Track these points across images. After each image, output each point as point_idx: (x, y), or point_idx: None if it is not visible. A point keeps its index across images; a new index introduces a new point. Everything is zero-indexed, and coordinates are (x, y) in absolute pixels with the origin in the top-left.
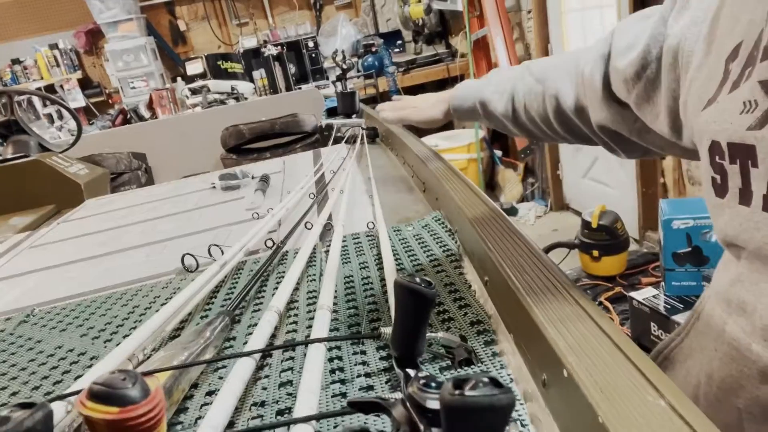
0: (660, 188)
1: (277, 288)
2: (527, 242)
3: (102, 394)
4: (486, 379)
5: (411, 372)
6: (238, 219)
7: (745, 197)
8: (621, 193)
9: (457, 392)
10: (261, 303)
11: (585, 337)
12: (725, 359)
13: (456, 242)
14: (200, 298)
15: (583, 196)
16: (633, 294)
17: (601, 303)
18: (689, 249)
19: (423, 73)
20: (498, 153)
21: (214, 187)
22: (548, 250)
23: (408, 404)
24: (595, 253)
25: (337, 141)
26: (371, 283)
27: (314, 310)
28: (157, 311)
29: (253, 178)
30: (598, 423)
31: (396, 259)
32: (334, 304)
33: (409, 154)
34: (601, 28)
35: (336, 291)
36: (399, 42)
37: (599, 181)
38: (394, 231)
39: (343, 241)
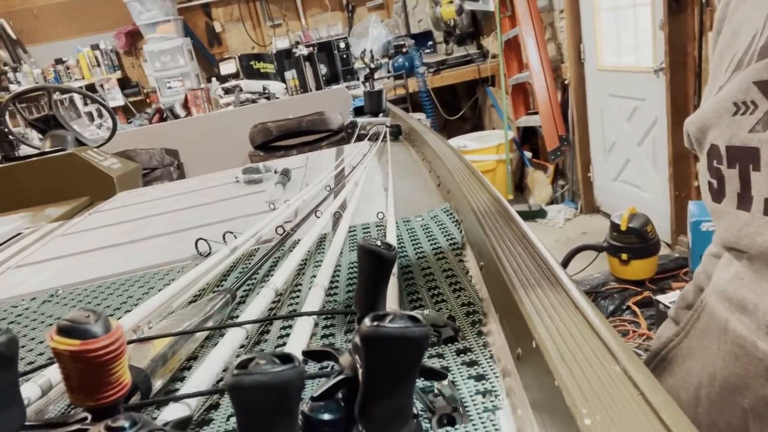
0: (694, 191)
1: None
2: (524, 231)
3: (67, 329)
4: (404, 315)
5: None
6: (256, 210)
7: (744, 202)
8: (653, 196)
9: (374, 324)
10: (266, 285)
11: (558, 312)
12: (729, 358)
13: (461, 232)
14: (209, 278)
15: (614, 198)
16: (660, 297)
17: (628, 308)
18: None
19: (453, 73)
20: (528, 154)
21: (238, 180)
22: (575, 252)
23: (352, 351)
24: (624, 256)
25: (361, 138)
26: None
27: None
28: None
29: (275, 172)
30: (554, 387)
31: (400, 248)
32: (335, 287)
33: (429, 150)
34: (635, 28)
35: (338, 274)
36: (430, 43)
37: (631, 184)
38: (404, 222)
39: (352, 230)
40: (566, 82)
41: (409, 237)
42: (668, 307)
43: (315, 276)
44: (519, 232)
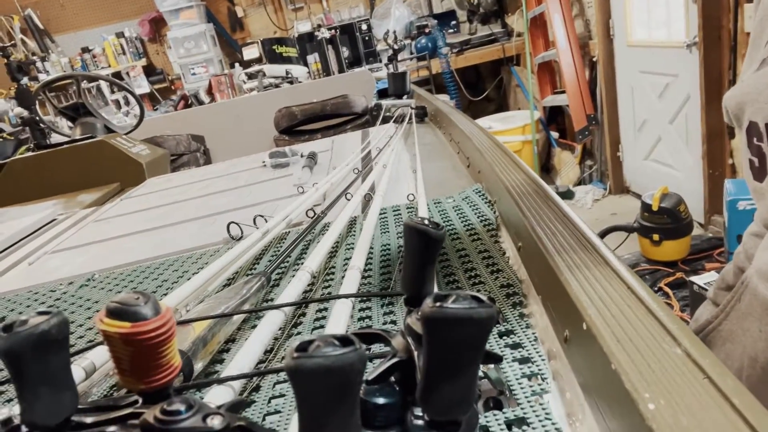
0: (728, 169)
1: (316, 252)
2: (563, 210)
3: (117, 311)
4: (467, 295)
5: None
6: (285, 194)
7: None
8: (686, 175)
9: (437, 305)
10: (299, 268)
11: (609, 293)
12: None
13: (495, 212)
14: (243, 262)
15: (644, 178)
16: (693, 278)
17: (660, 289)
18: None
19: (477, 53)
20: (554, 135)
21: (265, 165)
22: (605, 233)
23: (405, 333)
24: (656, 237)
25: (386, 120)
26: None
27: (346, 269)
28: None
29: (302, 156)
30: (611, 371)
31: None
32: (369, 269)
33: (456, 131)
34: (666, 1)
35: (372, 256)
36: (453, 23)
37: (663, 163)
38: (435, 203)
39: (383, 212)
40: (594, 59)
41: (442, 218)
42: (703, 289)
43: (349, 259)
44: (559, 211)
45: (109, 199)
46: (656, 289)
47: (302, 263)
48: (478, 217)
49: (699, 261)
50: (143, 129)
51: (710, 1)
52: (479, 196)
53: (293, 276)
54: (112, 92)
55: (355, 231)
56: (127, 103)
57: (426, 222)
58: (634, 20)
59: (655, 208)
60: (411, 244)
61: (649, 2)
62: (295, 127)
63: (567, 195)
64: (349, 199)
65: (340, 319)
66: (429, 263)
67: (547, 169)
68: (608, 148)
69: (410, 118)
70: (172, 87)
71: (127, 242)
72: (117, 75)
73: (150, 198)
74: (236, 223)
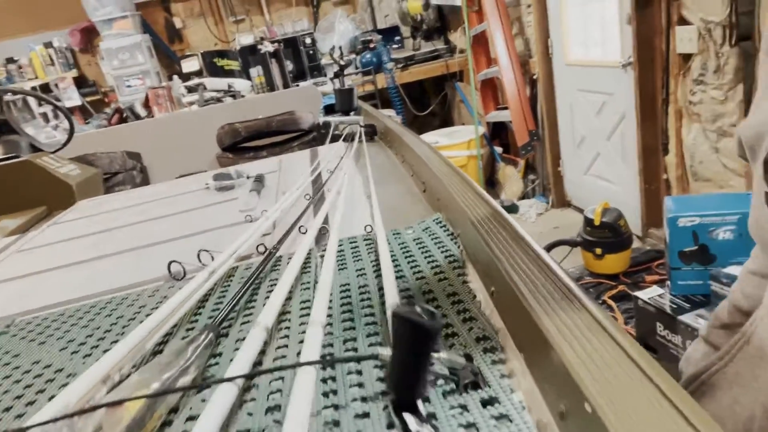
0: (663, 184)
1: (268, 297)
2: (534, 249)
3: None
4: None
5: (410, 420)
6: (231, 221)
7: None
8: (623, 189)
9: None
10: (251, 314)
11: (607, 362)
12: None
13: (459, 247)
14: (186, 309)
15: (585, 192)
16: (638, 293)
17: (604, 302)
18: (696, 247)
19: (422, 69)
20: (498, 150)
21: (208, 187)
22: (550, 248)
23: None
24: (598, 250)
25: (335, 139)
26: (369, 293)
27: (307, 324)
28: (141, 322)
29: (248, 178)
30: None
31: (395, 266)
32: (329, 316)
33: (408, 152)
34: (602, 22)
35: (331, 302)
36: (397, 38)
37: (601, 177)
38: (394, 235)
39: (340, 245)
40: (535, 77)
41: (403, 252)
42: (647, 303)
43: (306, 302)
44: (529, 250)
45: (35, 225)
46: (601, 302)
47: (253, 311)
48: (442, 253)
49: (639, 273)
50: (74, 146)
51: (644, 24)
52: (440, 227)
53: (244, 323)
54: (40, 105)
55: (309, 267)
56: (56, 116)
57: (419, 310)
58: (571, 40)
59: (597, 222)
60: (401, 338)
61: (585, 23)
62: (239, 144)
63: (512, 209)
64: (303, 233)
65: (305, 389)
66: (423, 360)
67: (492, 183)
68: (549, 163)
69: (360, 137)
70: (106, 100)
71: (54, 277)
72: (45, 87)
73: (80, 224)
74: (178, 262)
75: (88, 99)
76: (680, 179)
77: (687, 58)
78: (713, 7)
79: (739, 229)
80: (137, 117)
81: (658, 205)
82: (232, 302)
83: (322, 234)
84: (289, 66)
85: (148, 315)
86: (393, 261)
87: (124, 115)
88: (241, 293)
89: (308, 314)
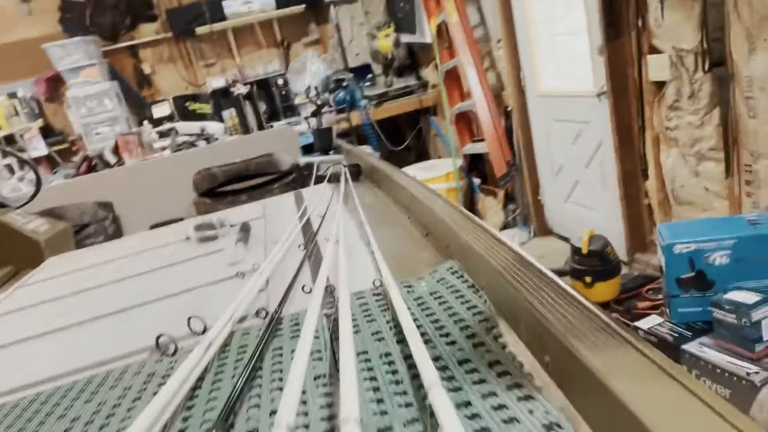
0: (645, 209)
1: (276, 373)
2: (588, 306)
3: None
4: None
5: None
6: (219, 277)
7: None
8: (605, 215)
9: None
10: (258, 396)
11: None
12: None
13: (485, 301)
14: (182, 396)
15: (566, 220)
16: (638, 324)
17: None
18: (693, 274)
19: (396, 105)
20: (477, 181)
21: (189, 239)
22: None
23: None
24: (588, 279)
25: (318, 180)
26: (393, 362)
27: (332, 419)
28: (128, 410)
29: (231, 226)
30: None
31: (418, 326)
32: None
33: (401, 192)
34: (573, 54)
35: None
36: (369, 75)
37: (582, 205)
38: (406, 288)
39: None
40: (509, 108)
41: (421, 309)
42: (649, 333)
43: (318, 378)
44: (582, 308)
45: (1, 287)
46: None
47: (260, 391)
48: (468, 309)
49: (630, 300)
50: (41, 198)
51: (615, 54)
52: (457, 278)
53: (252, 406)
54: (4, 157)
55: (316, 333)
56: (22, 167)
57: None
58: (544, 72)
59: (584, 251)
60: None
61: (556, 55)
62: (217, 188)
63: None
64: (308, 292)
65: None
66: None
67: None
68: (529, 193)
69: (346, 177)
70: (73, 148)
71: (23, 350)
72: (10, 138)
73: (51, 285)
74: (167, 336)
75: (55, 148)
76: (662, 203)
77: (660, 85)
78: (684, 36)
79: (734, 253)
80: (107, 165)
81: (641, 230)
82: (235, 391)
83: (328, 292)
84: (263, 107)
85: (135, 399)
86: (414, 320)
87: (93, 163)
88: (244, 377)
89: (331, 403)
